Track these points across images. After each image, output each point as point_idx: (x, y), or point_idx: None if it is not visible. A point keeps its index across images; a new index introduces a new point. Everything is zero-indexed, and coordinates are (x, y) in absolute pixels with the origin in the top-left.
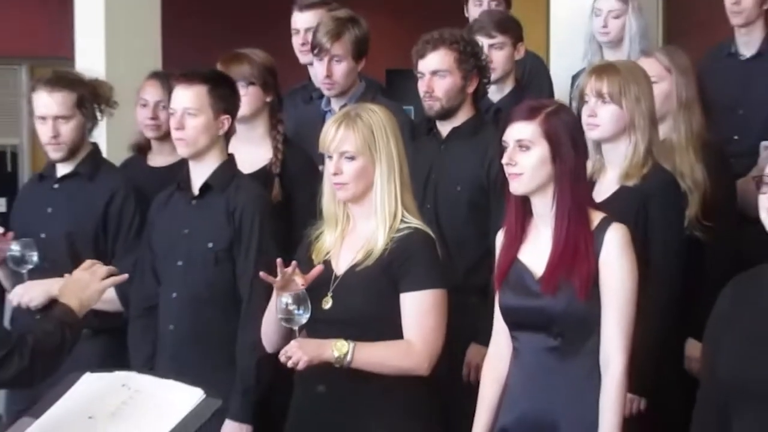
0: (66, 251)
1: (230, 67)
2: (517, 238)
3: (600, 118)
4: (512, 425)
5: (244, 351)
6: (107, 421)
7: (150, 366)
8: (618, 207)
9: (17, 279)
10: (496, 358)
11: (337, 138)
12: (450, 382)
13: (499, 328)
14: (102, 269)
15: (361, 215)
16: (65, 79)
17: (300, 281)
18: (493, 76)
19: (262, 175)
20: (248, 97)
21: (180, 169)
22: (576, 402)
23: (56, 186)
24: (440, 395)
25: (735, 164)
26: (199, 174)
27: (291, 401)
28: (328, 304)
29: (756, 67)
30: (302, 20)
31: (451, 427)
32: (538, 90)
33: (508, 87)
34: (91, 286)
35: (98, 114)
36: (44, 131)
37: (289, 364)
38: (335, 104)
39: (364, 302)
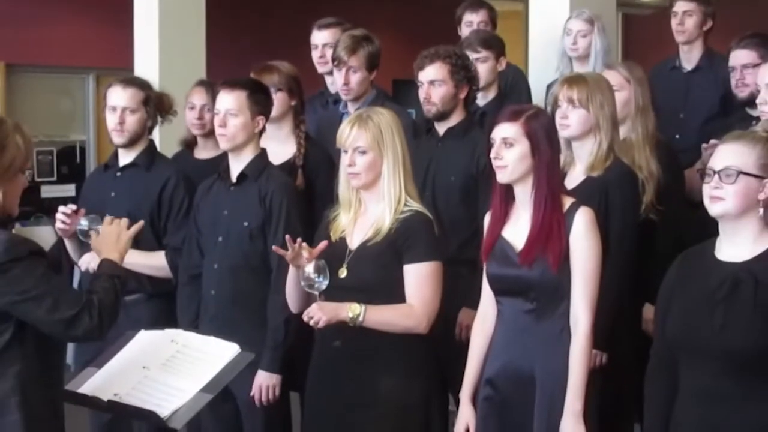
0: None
1: (262, 76)
2: (501, 219)
3: (570, 120)
4: (496, 375)
5: (274, 311)
6: (159, 371)
7: (195, 325)
8: (584, 194)
9: (85, 248)
10: (484, 319)
11: (351, 135)
12: (445, 340)
13: (486, 293)
14: (124, 220)
15: (371, 200)
16: (138, 81)
17: (306, 254)
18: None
19: (288, 166)
20: (276, 101)
21: (221, 161)
22: (549, 356)
23: (119, 174)
24: (437, 351)
25: None
26: (237, 165)
27: (312, 355)
28: (343, 273)
29: (695, 79)
30: (320, 37)
31: (445, 377)
32: (518, 96)
33: (491, 94)
34: (121, 236)
35: (159, 119)
36: (112, 119)
37: (311, 323)
38: (351, 107)
39: (373, 272)
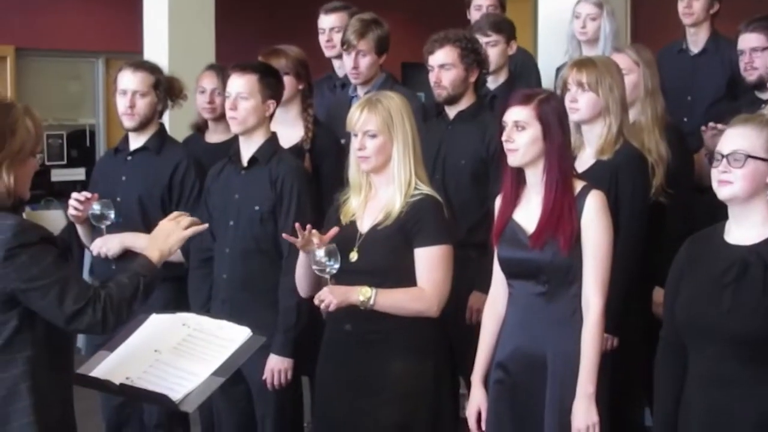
0: (137, 212)
1: (270, 60)
2: (512, 202)
3: (580, 104)
4: (507, 358)
5: (286, 295)
6: (171, 354)
7: (206, 308)
8: (594, 178)
9: (97, 233)
10: (495, 302)
11: (361, 119)
12: (455, 323)
13: (498, 276)
14: (186, 219)
15: (381, 183)
16: (148, 65)
17: (316, 240)
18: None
19: (295, 150)
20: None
21: (232, 145)
22: (560, 338)
23: (129, 158)
24: (447, 335)
25: None
26: (248, 149)
27: (322, 338)
28: (354, 257)
29: (702, 61)
30: (327, 21)
31: (455, 360)
32: (527, 80)
33: (502, 77)
34: (173, 234)
35: (169, 103)
36: (122, 102)
37: (322, 307)
38: (360, 91)
39: (384, 256)
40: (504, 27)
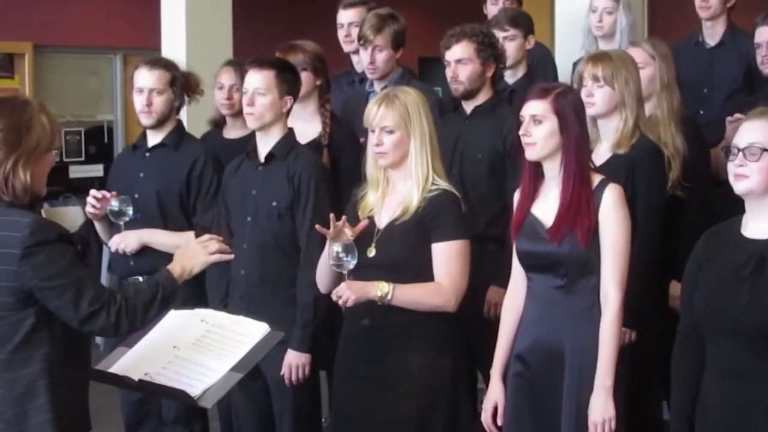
0: (156, 208)
1: (287, 56)
2: (530, 196)
3: (596, 98)
4: (526, 351)
5: (304, 290)
6: (189, 350)
7: (224, 304)
8: (611, 171)
9: (115, 229)
10: (514, 295)
11: (378, 115)
12: (472, 318)
13: (516, 269)
14: (214, 246)
15: (399, 179)
16: (163, 62)
17: (349, 232)
18: (507, 63)
19: (313, 145)
20: (301, 80)
21: (249, 140)
22: (579, 332)
23: (147, 154)
24: (464, 330)
25: None
26: (265, 144)
27: (340, 333)
28: (372, 252)
29: (718, 54)
30: (345, 16)
31: (473, 355)
32: (544, 74)
33: (520, 72)
34: (198, 257)
35: (186, 99)
36: (139, 100)
37: (340, 302)
38: (377, 86)
39: (401, 251)
40: (522, 21)
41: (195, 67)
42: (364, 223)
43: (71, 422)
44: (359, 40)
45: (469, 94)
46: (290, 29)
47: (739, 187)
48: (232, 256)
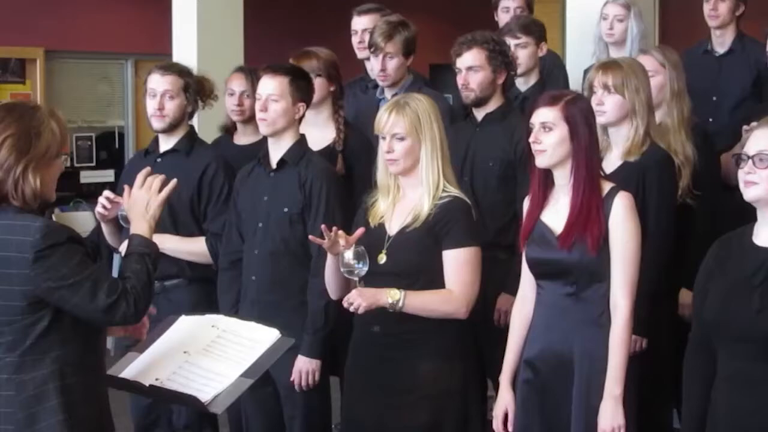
0: (167, 213)
1: (300, 62)
2: (540, 203)
3: (606, 106)
4: (535, 358)
5: (315, 297)
6: (200, 355)
7: (235, 310)
8: (621, 179)
9: (126, 234)
10: (523, 302)
11: (389, 122)
12: (483, 325)
13: (526, 276)
14: (156, 181)
15: (410, 185)
16: (177, 67)
17: (342, 242)
18: (518, 70)
19: (327, 151)
20: (315, 87)
21: (260, 147)
22: (588, 339)
23: (159, 160)
24: (475, 337)
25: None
26: (277, 151)
27: (351, 340)
28: (383, 259)
29: (727, 62)
30: (360, 23)
31: (483, 361)
32: (555, 82)
33: (533, 79)
34: (151, 201)
35: (199, 103)
36: (152, 104)
37: (351, 309)
38: (388, 93)
39: (412, 258)
40: (534, 29)
41: (206, 73)
42: (360, 231)
43: (84, 425)
44: (370, 47)
45: (480, 102)
46: (301, 35)
47: (749, 194)
48: (175, 180)
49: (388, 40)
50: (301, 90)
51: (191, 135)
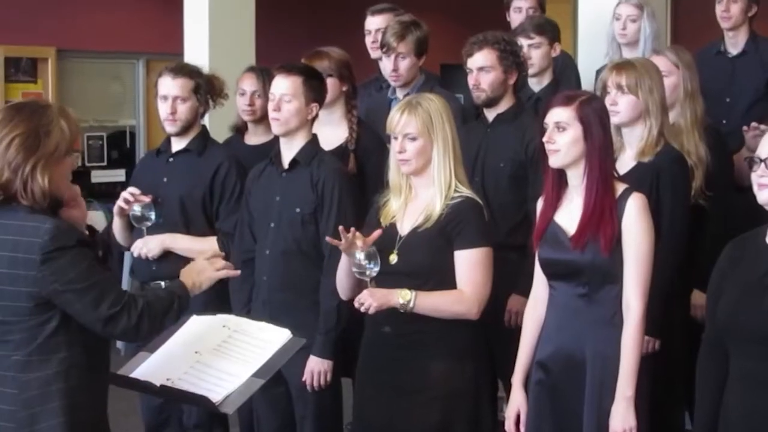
0: (179, 213)
1: (313, 62)
2: (553, 204)
3: (620, 107)
4: (548, 359)
5: (327, 296)
6: (211, 355)
7: (247, 310)
8: (635, 179)
9: (138, 234)
10: (536, 303)
11: (401, 122)
12: (493, 325)
13: (539, 277)
14: (220, 262)
15: (421, 185)
16: (187, 69)
17: (359, 243)
18: (532, 71)
19: (340, 151)
20: (328, 86)
21: (271, 146)
22: (600, 340)
23: (171, 160)
24: (486, 336)
25: None
26: (289, 151)
27: (362, 340)
28: (394, 259)
29: (740, 63)
30: (373, 23)
31: (494, 362)
32: (567, 82)
33: (546, 80)
34: (205, 273)
35: (210, 102)
36: (164, 108)
37: (362, 309)
38: (400, 93)
39: (424, 258)
40: (547, 29)
41: (218, 72)
42: (377, 232)
43: (85, 428)
44: (382, 47)
45: (491, 102)
46: (313, 35)
47: (762, 197)
48: (239, 272)
49: (400, 40)
50: (315, 90)
51: (204, 135)
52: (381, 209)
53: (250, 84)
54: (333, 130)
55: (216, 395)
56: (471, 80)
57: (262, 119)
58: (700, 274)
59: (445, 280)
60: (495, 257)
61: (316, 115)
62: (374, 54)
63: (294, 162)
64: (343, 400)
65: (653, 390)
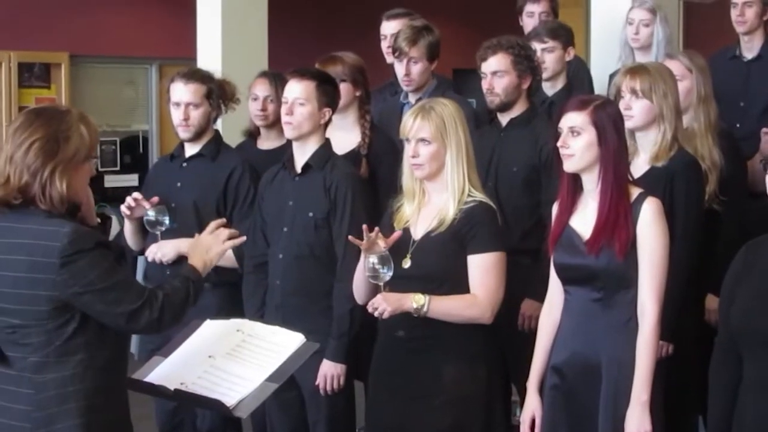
0: (193, 218)
1: (326, 67)
2: (568, 209)
3: (634, 111)
4: (563, 363)
5: (340, 300)
6: (224, 360)
7: (260, 314)
8: (649, 184)
9: (152, 239)
10: (552, 308)
11: (415, 126)
12: (507, 330)
13: (554, 282)
14: (224, 232)
15: (435, 190)
16: (199, 74)
17: (382, 243)
18: (545, 75)
19: (352, 155)
20: (341, 91)
21: (284, 151)
22: (616, 345)
23: (184, 165)
24: (499, 340)
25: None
26: (302, 155)
27: (375, 344)
28: (407, 263)
29: (755, 67)
30: (389, 27)
31: (507, 366)
32: (580, 86)
33: (560, 84)
34: (213, 248)
35: (222, 107)
36: (177, 115)
37: (376, 314)
38: (412, 98)
39: (437, 262)
40: (561, 33)
41: (230, 77)
42: (397, 233)
43: (102, 429)
44: (394, 52)
45: (505, 107)
46: (326, 40)
47: None
48: (244, 238)
49: (412, 44)
50: (328, 95)
51: (217, 139)
52: (395, 214)
53: (262, 89)
54: (346, 135)
55: (230, 399)
56: (485, 84)
57: (275, 124)
58: (713, 278)
59: (459, 284)
60: (508, 261)
61: (329, 120)
62: (390, 59)
63: (307, 166)
64: (356, 404)
65: (667, 394)
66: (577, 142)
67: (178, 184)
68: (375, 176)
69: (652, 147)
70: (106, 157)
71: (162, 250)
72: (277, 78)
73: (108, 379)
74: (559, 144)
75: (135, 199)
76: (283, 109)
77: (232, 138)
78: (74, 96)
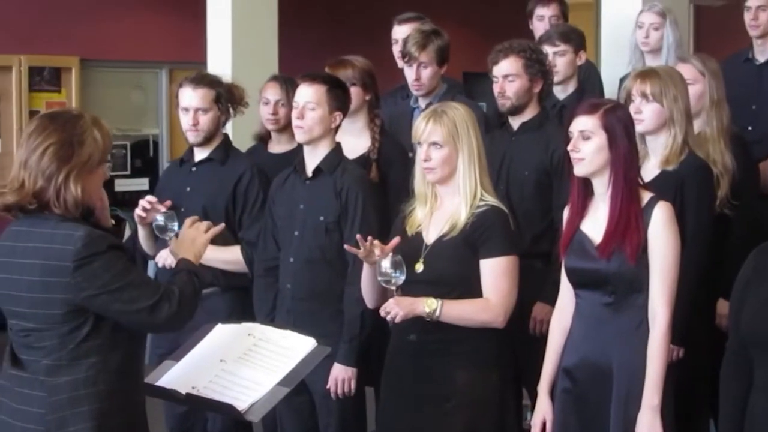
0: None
1: (336, 71)
2: (579, 213)
3: (644, 115)
4: (573, 367)
5: (351, 304)
6: (236, 364)
7: (271, 318)
8: (659, 188)
9: (161, 244)
10: (562, 311)
11: (427, 130)
12: (518, 334)
13: (565, 286)
14: (203, 224)
15: (447, 194)
16: (207, 79)
17: (378, 251)
18: (557, 78)
19: (362, 160)
20: (351, 95)
21: (294, 155)
22: (627, 349)
23: (194, 169)
24: (510, 344)
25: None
26: (312, 159)
27: (387, 348)
28: (420, 268)
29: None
30: (400, 32)
31: (518, 370)
32: (591, 90)
33: (571, 87)
34: (198, 239)
35: (231, 111)
36: (186, 120)
37: (388, 318)
38: (422, 102)
39: (450, 266)
40: (572, 37)
41: (240, 81)
42: (395, 240)
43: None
44: (404, 57)
45: (516, 110)
46: (336, 44)
47: None
48: (223, 225)
49: (421, 49)
50: (338, 99)
51: (226, 144)
52: (407, 218)
53: (273, 93)
54: (356, 139)
55: (241, 403)
56: (496, 88)
57: (286, 128)
58: (724, 282)
59: (471, 288)
60: (520, 265)
61: (340, 124)
62: (401, 63)
63: (317, 170)
64: (367, 408)
65: (678, 398)
66: (587, 146)
67: (188, 189)
68: (385, 180)
69: (663, 151)
70: (117, 161)
71: (171, 257)
72: (288, 82)
73: (121, 383)
74: (569, 148)
75: (150, 202)
76: (294, 113)
77: (243, 142)
78: (84, 100)
